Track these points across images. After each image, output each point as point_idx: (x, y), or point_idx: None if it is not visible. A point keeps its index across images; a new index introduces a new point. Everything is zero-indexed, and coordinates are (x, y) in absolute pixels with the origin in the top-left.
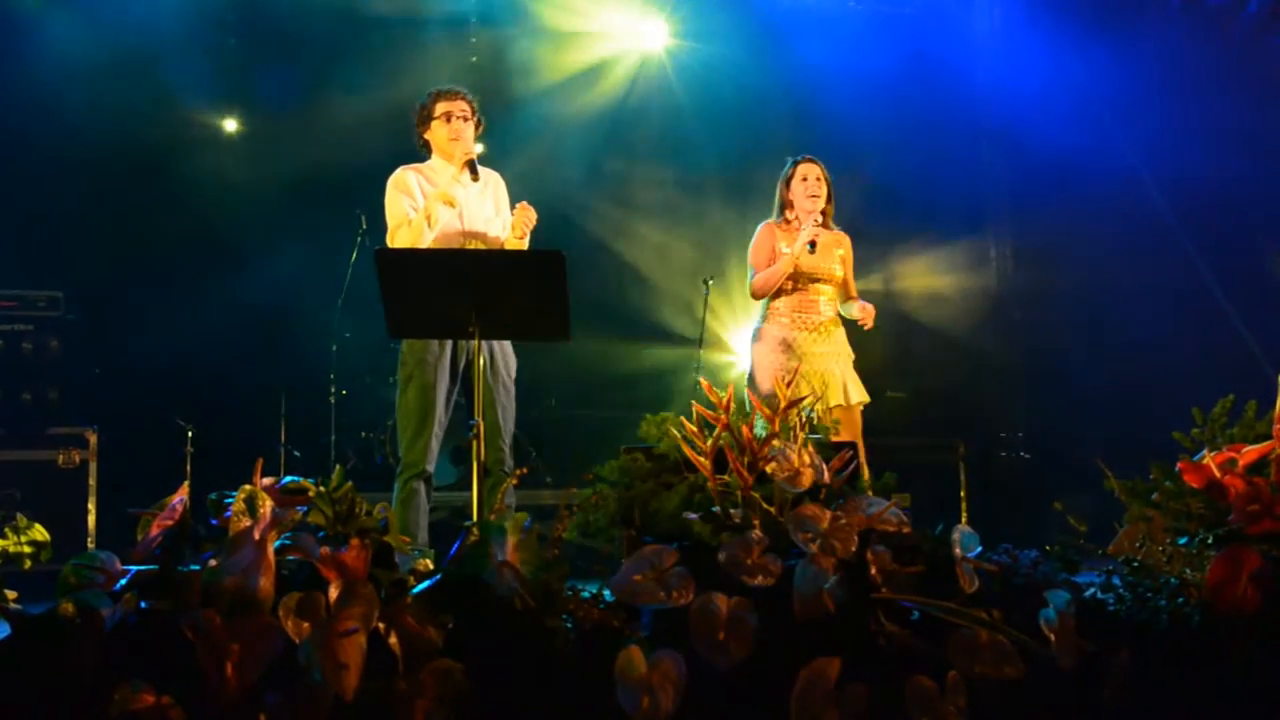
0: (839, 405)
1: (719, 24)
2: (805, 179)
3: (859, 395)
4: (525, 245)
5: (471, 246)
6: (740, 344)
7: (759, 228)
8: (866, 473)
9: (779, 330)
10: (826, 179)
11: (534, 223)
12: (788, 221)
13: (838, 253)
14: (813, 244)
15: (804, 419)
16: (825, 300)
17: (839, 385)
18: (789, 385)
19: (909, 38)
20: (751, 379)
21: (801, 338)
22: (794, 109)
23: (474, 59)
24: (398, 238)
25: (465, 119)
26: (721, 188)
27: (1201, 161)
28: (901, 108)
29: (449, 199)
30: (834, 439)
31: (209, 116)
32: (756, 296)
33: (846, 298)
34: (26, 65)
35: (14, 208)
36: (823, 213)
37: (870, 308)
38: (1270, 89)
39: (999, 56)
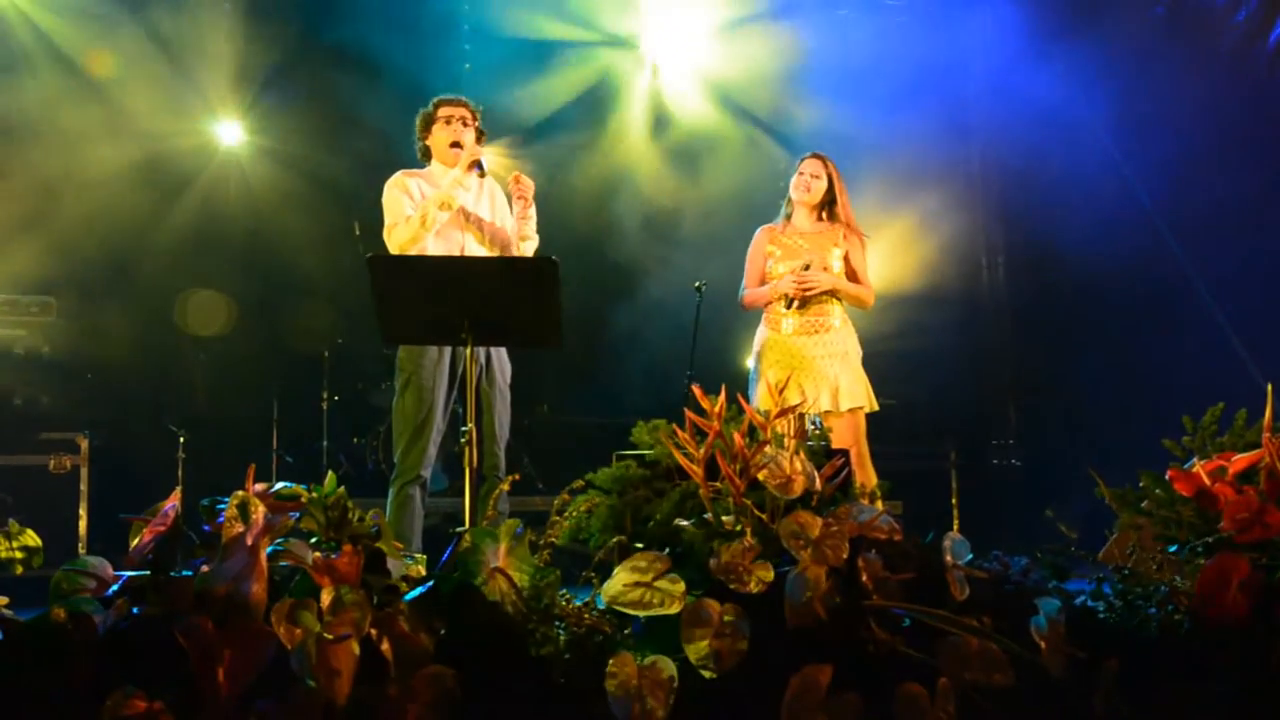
0: (829, 411)
1: (710, 24)
2: (801, 173)
3: (850, 401)
4: (532, 215)
5: (471, 246)
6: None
7: (756, 233)
8: (874, 478)
9: (776, 334)
10: (830, 174)
11: (532, 189)
12: (788, 218)
13: (835, 250)
14: (791, 301)
15: (800, 426)
16: (828, 301)
17: (830, 390)
18: (780, 392)
19: (901, 40)
20: (750, 383)
21: (800, 341)
22: (785, 110)
23: (467, 66)
24: (395, 234)
25: (466, 124)
26: (715, 191)
27: (1196, 170)
28: (892, 111)
29: (449, 201)
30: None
31: (203, 122)
32: (745, 309)
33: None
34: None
35: (5, 212)
36: (819, 206)
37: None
38: (1262, 97)
39: (992, 60)
